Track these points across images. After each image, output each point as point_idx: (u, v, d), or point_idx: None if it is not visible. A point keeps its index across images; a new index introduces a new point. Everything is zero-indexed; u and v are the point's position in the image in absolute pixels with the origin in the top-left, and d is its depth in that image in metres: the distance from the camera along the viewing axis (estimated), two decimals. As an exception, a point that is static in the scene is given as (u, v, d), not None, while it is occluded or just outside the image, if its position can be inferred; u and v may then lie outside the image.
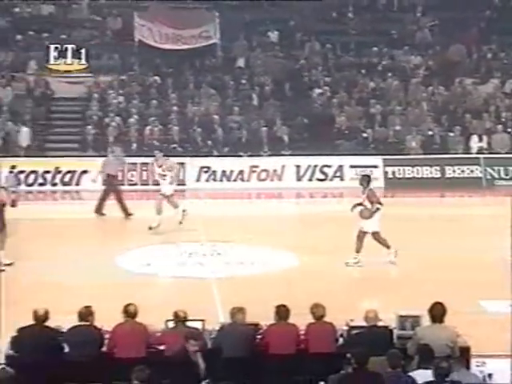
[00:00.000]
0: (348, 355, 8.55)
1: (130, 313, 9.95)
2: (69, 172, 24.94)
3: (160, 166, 18.82)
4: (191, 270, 16.02)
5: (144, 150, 25.40)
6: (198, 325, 10.09)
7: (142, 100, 27.34)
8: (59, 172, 24.92)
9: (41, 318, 9.78)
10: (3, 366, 8.99)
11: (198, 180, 25.44)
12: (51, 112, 27.46)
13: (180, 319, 9.88)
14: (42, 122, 26.89)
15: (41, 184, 24.80)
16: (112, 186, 20.62)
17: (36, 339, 9.67)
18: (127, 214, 20.21)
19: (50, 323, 9.89)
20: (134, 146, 25.97)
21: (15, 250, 16.00)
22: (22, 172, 24.18)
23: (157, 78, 27.86)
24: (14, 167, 22.73)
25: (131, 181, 24.94)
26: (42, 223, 19.81)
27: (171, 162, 19.34)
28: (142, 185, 24.65)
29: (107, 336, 9.87)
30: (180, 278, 15.54)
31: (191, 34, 28.16)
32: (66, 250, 16.80)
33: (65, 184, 24.97)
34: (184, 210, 18.89)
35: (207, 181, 25.47)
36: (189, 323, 9.95)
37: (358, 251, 15.68)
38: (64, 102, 27.59)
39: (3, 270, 15.08)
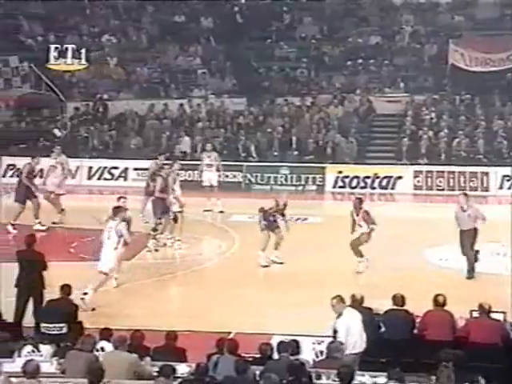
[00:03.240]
0: None
1: (439, 302, 9.81)
2: (385, 177, 25.00)
3: None
4: (492, 266, 15.34)
5: (451, 159, 24.99)
6: (500, 316, 9.65)
7: (452, 116, 26.71)
8: (377, 177, 25.03)
9: (357, 301, 9.98)
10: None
11: (500, 188, 24.29)
12: (372, 126, 27.70)
13: (484, 310, 9.50)
14: (364, 134, 27.24)
15: (362, 187, 25.08)
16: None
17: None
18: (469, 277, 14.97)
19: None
20: (443, 156, 25.50)
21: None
22: (346, 177, 24.68)
23: (466, 96, 27.12)
24: (340, 172, 23.26)
25: (439, 186, 24.50)
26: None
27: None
28: (449, 190, 24.13)
29: (418, 320, 9.76)
30: (481, 273, 14.90)
31: (499, 57, 27.17)
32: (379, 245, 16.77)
33: (382, 188, 25.04)
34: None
35: (509, 188, 24.23)
36: (491, 314, 9.54)
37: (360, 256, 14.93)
38: (383, 118, 27.69)
39: (268, 266, 15.20)
